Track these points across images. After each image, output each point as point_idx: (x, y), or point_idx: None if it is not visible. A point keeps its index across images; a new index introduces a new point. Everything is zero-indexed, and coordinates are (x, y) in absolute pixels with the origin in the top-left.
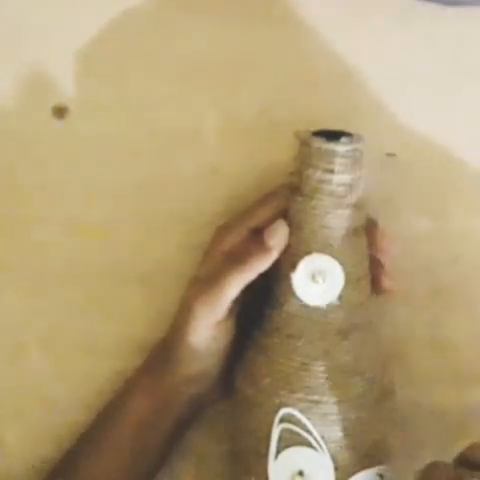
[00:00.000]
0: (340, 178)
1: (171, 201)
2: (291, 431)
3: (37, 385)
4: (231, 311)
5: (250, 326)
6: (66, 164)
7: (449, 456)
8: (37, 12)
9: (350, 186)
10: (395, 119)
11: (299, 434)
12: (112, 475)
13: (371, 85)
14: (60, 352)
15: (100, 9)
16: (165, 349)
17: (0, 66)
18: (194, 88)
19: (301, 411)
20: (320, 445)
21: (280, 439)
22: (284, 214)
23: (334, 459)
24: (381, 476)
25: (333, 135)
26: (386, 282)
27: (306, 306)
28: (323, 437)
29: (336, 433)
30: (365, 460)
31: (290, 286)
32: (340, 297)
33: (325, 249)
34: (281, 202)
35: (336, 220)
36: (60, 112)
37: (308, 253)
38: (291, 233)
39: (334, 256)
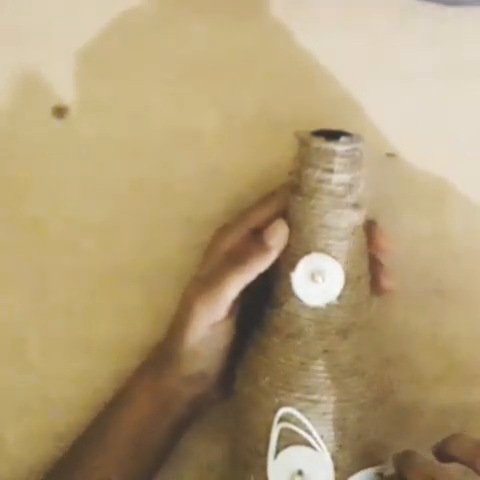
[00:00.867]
0: (339, 178)
1: (171, 201)
2: (290, 430)
3: (37, 385)
4: (231, 311)
5: (250, 326)
6: (66, 164)
7: None
8: (37, 12)
9: (349, 186)
10: (395, 119)
11: (298, 434)
12: (112, 475)
13: (371, 85)
14: (60, 352)
15: (100, 9)
16: (165, 349)
17: (0, 66)
18: (194, 88)
19: (300, 410)
20: (319, 445)
21: (279, 438)
22: (284, 214)
23: (333, 459)
24: (380, 476)
25: (333, 135)
26: (386, 282)
27: (306, 306)
28: (322, 437)
29: (336, 433)
30: (364, 460)
31: (290, 286)
32: (340, 297)
33: (325, 249)
34: (281, 202)
35: (335, 220)
36: (60, 112)
37: (308, 253)
38: (291, 233)
39: (334, 256)
